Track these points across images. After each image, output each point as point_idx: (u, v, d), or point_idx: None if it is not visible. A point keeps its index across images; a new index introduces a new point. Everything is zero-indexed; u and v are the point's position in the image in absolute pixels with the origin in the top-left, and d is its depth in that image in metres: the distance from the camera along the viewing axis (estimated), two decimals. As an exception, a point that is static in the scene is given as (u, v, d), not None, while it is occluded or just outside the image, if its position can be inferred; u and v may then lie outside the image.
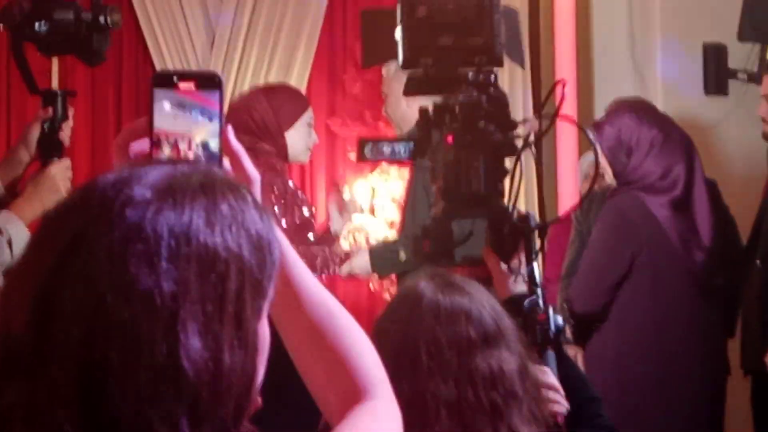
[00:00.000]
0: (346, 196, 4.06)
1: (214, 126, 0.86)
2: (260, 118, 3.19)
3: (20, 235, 2.41)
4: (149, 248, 0.66)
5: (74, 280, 0.66)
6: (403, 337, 1.48)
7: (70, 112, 2.58)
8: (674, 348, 3.10)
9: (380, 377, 0.91)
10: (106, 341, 0.64)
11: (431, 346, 1.47)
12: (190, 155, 0.84)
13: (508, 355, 1.52)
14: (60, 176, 2.51)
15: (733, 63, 3.97)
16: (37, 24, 2.47)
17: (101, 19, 2.46)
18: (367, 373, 0.90)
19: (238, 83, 4.55)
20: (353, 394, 0.88)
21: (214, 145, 0.86)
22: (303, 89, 4.34)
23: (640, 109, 3.23)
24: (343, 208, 3.71)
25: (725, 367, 3.29)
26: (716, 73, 4.03)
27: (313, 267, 3.18)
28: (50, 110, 2.53)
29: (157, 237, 0.66)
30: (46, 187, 2.52)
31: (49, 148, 2.54)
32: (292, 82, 4.33)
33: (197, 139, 0.86)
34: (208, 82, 0.87)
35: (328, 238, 3.49)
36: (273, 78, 4.54)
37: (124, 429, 0.64)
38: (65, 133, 2.54)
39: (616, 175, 3.14)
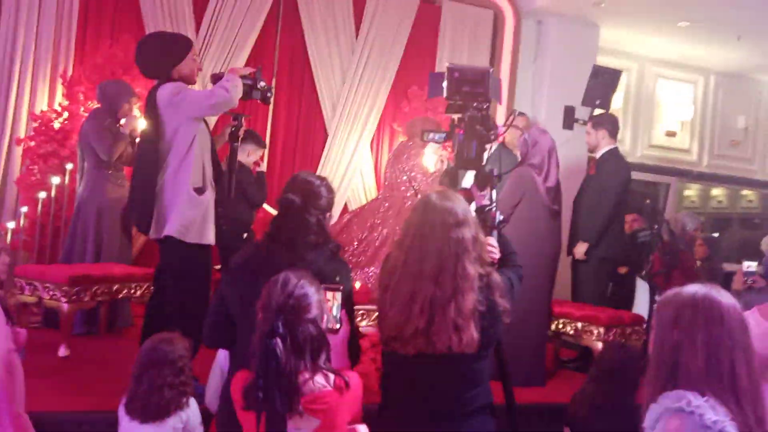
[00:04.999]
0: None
1: None
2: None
3: None
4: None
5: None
6: (418, 220, 2.03)
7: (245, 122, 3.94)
8: (539, 238, 4.28)
9: None
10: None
11: (428, 225, 1.99)
12: None
13: (468, 230, 1.99)
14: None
15: (577, 115, 5.47)
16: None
17: (259, 84, 3.78)
18: None
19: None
20: None
21: None
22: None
23: (541, 130, 4.52)
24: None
25: (560, 249, 4.60)
26: (568, 118, 5.44)
27: None
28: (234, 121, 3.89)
29: None
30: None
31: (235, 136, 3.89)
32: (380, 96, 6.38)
33: None
34: None
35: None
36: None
37: None
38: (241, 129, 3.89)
39: (522, 156, 4.42)
